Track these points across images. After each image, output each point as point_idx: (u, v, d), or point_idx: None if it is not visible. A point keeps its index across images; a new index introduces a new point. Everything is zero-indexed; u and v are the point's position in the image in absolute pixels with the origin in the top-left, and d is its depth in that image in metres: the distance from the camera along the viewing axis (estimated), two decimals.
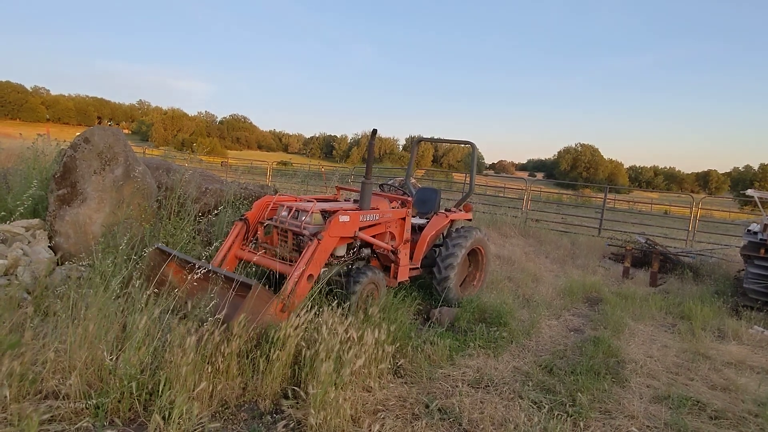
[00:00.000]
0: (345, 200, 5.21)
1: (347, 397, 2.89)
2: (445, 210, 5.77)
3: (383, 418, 2.95)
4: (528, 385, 3.69)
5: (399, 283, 4.86)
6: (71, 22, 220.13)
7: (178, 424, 2.47)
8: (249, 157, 53.23)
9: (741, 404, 3.75)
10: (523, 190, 14.97)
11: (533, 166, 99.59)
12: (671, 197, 48.53)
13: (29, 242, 4.28)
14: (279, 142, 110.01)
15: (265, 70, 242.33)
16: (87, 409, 2.55)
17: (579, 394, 3.56)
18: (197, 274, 3.30)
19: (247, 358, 3.08)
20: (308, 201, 4.47)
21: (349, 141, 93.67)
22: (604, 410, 3.47)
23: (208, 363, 2.82)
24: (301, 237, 4.12)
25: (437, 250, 5.46)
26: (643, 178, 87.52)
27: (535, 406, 3.37)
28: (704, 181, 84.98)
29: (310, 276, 3.73)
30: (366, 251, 4.63)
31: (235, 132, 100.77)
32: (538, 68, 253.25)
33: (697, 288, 7.58)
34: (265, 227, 4.47)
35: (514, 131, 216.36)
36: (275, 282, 4.29)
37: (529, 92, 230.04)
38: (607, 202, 14.20)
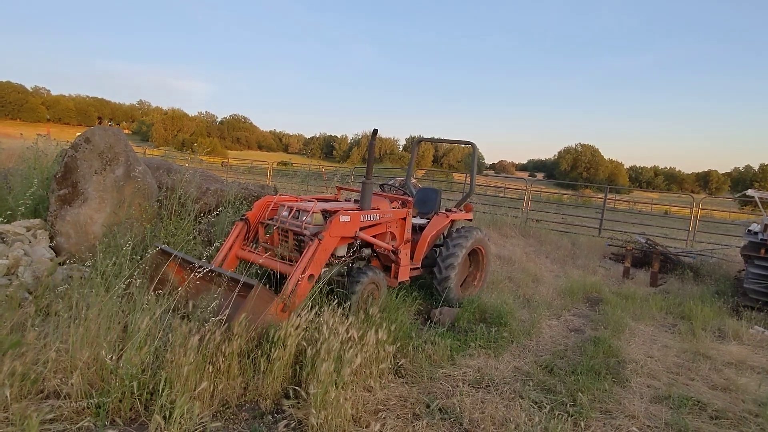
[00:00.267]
0: (345, 200, 5.21)
1: (348, 397, 2.90)
2: (446, 210, 5.77)
3: (384, 417, 2.96)
4: (529, 385, 3.69)
5: (399, 283, 4.86)
6: (71, 22, 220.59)
7: (179, 423, 2.47)
8: (249, 157, 53.20)
9: (741, 404, 3.75)
10: (523, 190, 14.98)
11: (533, 167, 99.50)
12: (671, 197, 48.55)
13: (30, 242, 4.28)
14: (279, 143, 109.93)
15: (265, 70, 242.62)
16: (88, 408, 2.56)
17: (579, 394, 3.56)
18: (198, 274, 3.31)
19: (248, 357, 3.08)
20: (309, 201, 4.48)
21: (349, 141, 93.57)
22: (605, 410, 3.47)
23: (209, 363, 2.82)
24: (301, 237, 4.12)
25: (438, 250, 5.47)
26: (643, 179, 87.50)
27: (535, 406, 3.37)
28: (704, 181, 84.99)
29: (311, 276, 3.73)
30: (367, 251, 4.63)
31: (235, 132, 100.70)
32: (538, 68, 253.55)
33: (697, 288, 7.58)
34: (265, 227, 4.48)
35: (514, 131, 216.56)
36: (276, 282, 4.29)
37: (529, 92, 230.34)
38: (607, 202, 14.19)
